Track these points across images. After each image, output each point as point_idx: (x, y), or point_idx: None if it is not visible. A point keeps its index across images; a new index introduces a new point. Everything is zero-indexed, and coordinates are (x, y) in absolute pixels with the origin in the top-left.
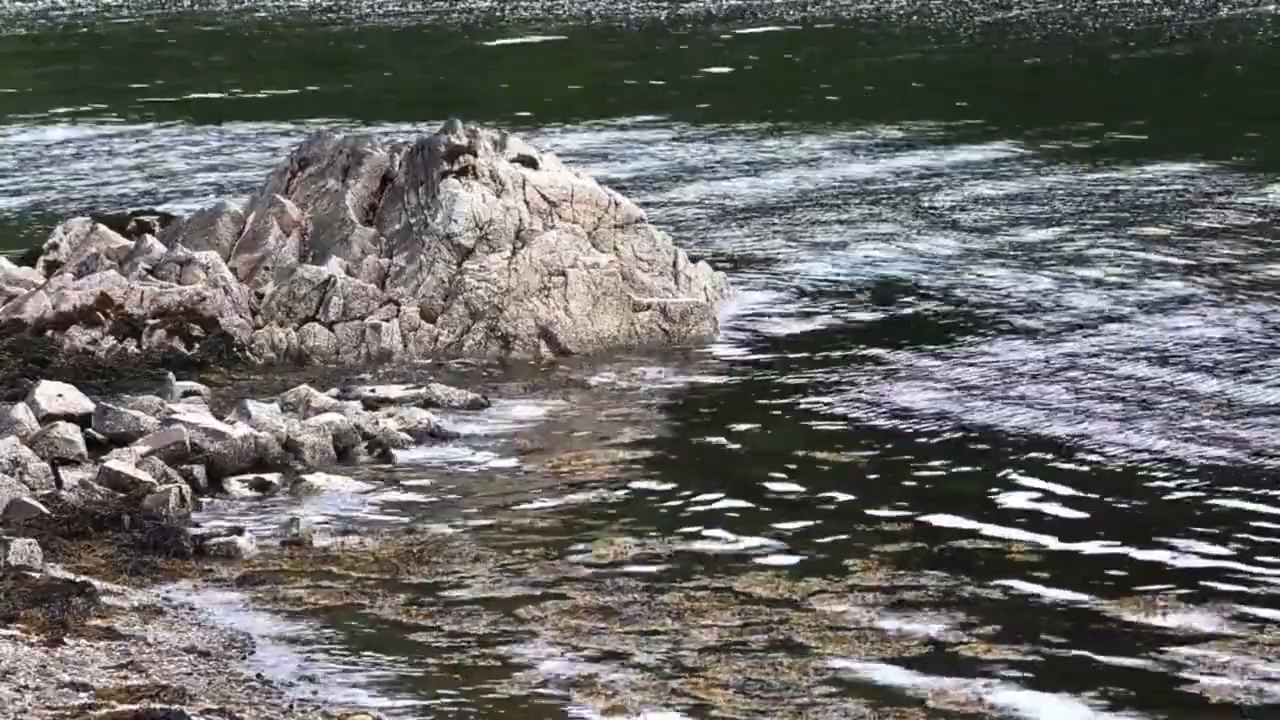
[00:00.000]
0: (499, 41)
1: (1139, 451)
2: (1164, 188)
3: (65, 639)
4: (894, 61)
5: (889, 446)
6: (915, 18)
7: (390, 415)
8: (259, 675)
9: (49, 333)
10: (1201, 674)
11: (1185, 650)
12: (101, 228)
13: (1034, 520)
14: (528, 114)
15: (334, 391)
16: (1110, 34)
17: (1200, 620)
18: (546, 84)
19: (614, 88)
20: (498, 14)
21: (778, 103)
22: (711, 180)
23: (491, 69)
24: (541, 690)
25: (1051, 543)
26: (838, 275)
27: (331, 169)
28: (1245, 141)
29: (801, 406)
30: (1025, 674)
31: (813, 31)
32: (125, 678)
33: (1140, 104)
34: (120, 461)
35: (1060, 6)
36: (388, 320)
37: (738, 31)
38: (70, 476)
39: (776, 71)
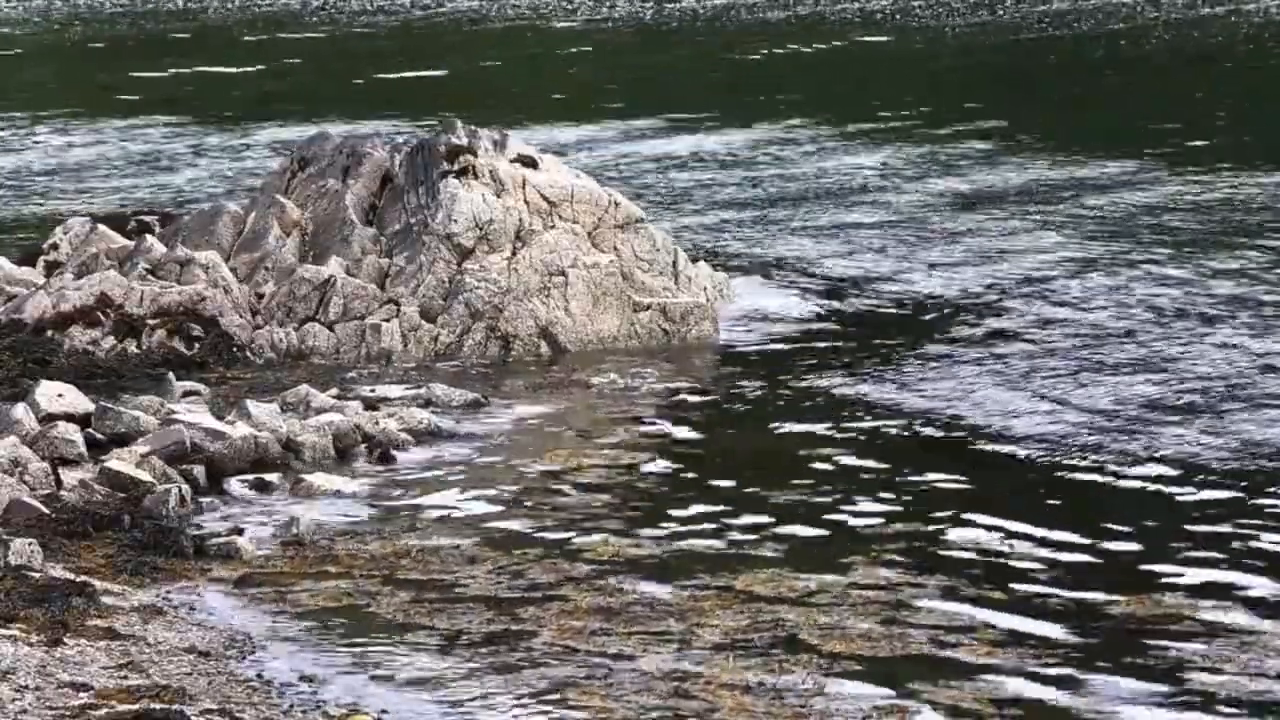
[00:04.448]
0: (489, 39)
1: (1142, 450)
2: (1162, 185)
3: (65, 639)
4: (887, 59)
5: (890, 446)
6: (899, 16)
7: (390, 415)
8: (259, 675)
9: (49, 333)
10: (1204, 673)
11: (1187, 650)
12: (101, 228)
13: (1035, 519)
14: (522, 113)
15: (334, 391)
16: (1098, 32)
17: (1202, 619)
18: (541, 83)
19: (607, 86)
20: (484, 14)
21: (773, 100)
22: (711, 179)
23: (484, 67)
24: (544, 691)
25: (1053, 542)
26: (839, 274)
27: (331, 169)
28: (1240, 137)
29: (802, 406)
30: (1026, 674)
31: (805, 30)
32: (125, 678)
33: (1133, 101)
34: (120, 461)
35: (1044, 6)
36: (388, 320)
37: (727, 30)
38: (70, 476)
39: (769, 70)
